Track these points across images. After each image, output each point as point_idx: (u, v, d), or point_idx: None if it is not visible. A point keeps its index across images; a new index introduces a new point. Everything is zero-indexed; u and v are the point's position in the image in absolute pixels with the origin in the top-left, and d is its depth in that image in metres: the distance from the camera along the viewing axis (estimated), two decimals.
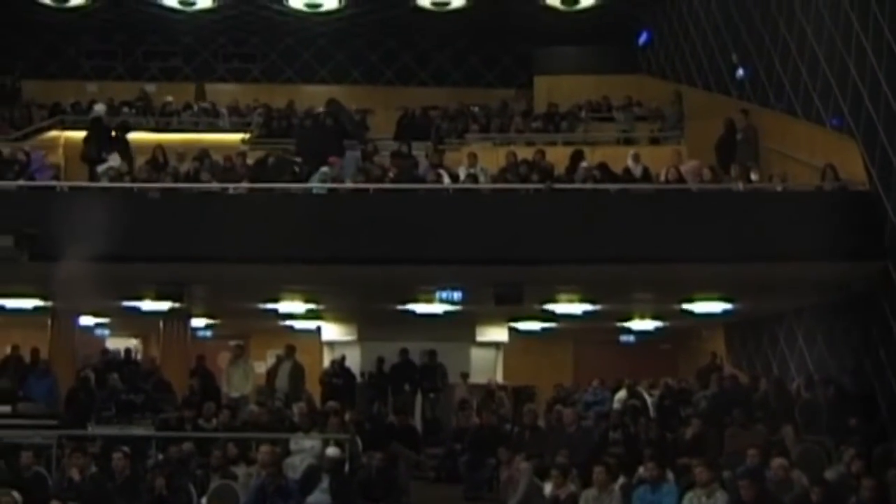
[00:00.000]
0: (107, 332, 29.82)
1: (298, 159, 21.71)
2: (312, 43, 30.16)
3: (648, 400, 22.29)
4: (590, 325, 26.38)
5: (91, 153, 22.72)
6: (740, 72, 23.05)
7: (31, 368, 21.75)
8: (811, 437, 17.21)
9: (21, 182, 20.39)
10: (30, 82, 29.36)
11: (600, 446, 18.38)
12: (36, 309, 23.54)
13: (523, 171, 20.37)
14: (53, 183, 20.58)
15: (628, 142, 25.30)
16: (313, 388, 23.25)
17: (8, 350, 23.43)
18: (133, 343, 28.85)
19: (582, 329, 27.62)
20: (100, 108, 25.91)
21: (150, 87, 29.45)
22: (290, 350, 23.08)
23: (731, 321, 24.66)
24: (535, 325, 26.90)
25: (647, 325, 26.60)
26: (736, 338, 25.23)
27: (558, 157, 21.98)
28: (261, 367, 24.30)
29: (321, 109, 25.33)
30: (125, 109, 27.57)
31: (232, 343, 24.64)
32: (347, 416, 19.52)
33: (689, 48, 25.73)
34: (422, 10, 27.52)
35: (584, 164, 21.04)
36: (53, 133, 26.81)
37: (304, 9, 27.57)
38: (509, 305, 19.72)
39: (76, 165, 24.15)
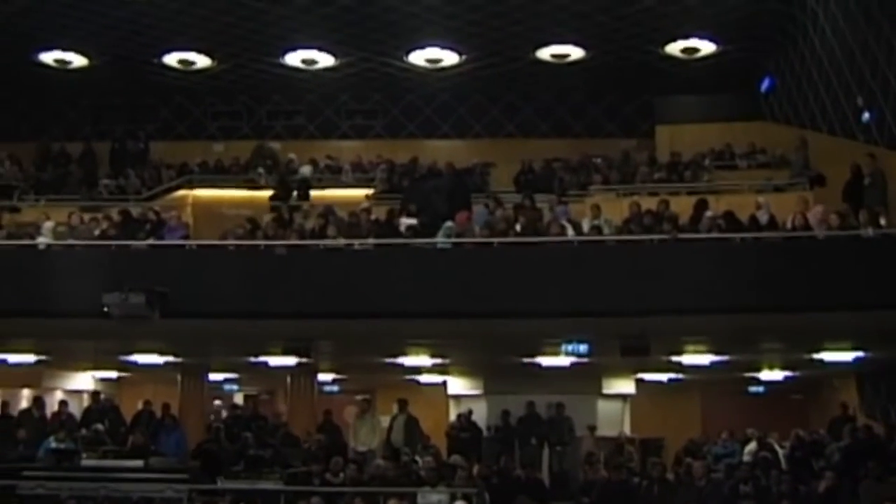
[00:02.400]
0: (235, 387, 30.22)
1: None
2: (434, 98, 30.35)
3: (779, 452, 21.89)
4: (718, 375, 26.07)
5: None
6: (866, 115, 22.67)
7: (161, 423, 22.11)
8: None
9: (151, 241, 20.82)
10: (158, 143, 30.01)
11: (731, 499, 18.12)
12: (167, 365, 24.02)
13: (647, 222, 20.23)
14: (183, 242, 20.95)
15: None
16: (439, 441, 23.27)
17: (140, 405, 23.82)
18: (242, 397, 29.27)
19: (710, 380, 27.28)
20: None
21: (275, 146, 29.89)
22: (403, 404, 23.17)
23: (863, 370, 24.16)
24: (662, 377, 26.64)
25: (777, 375, 26.21)
26: (869, 387, 24.69)
27: (683, 206, 21.78)
28: (387, 422, 24.37)
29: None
30: (260, 169, 28.08)
31: (358, 397, 24.77)
32: (475, 470, 19.50)
33: (812, 93, 25.41)
34: (541, 62, 27.57)
35: (708, 213, 20.84)
36: (182, 192, 27.35)
37: (425, 64, 27.80)
38: (636, 357, 19.56)
39: (204, 224, 24.63)
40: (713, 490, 18.36)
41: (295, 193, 25.29)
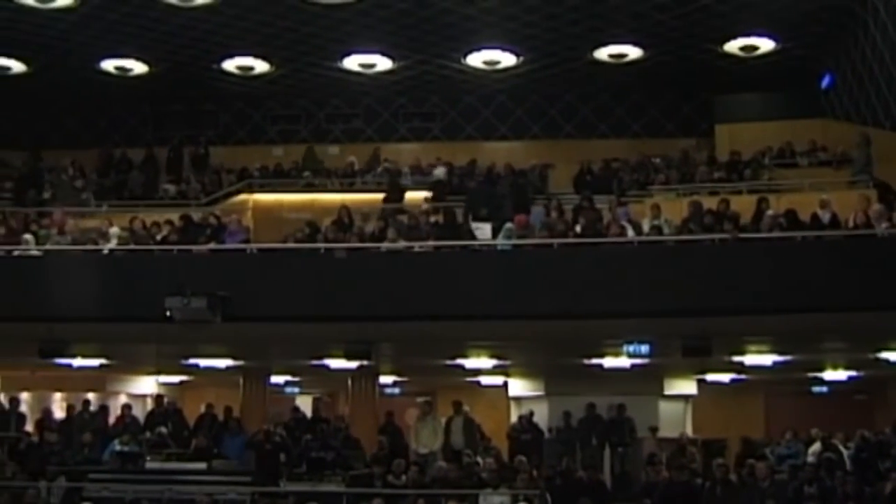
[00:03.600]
0: (296, 389, 30.35)
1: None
2: (491, 100, 30.35)
3: (844, 453, 21.68)
4: (781, 375, 25.84)
5: None
6: None
7: (225, 426, 22.24)
8: None
9: (212, 245, 20.99)
10: (218, 148, 30.23)
11: (795, 501, 17.97)
12: (228, 368, 24.18)
13: (708, 221, 20.12)
14: (243, 246, 21.09)
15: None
16: (501, 443, 23.25)
17: (202, 409, 23.98)
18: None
19: (773, 380, 27.06)
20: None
21: (334, 150, 30.04)
22: (458, 406, 23.13)
23: None
24: (724, 377, 26.46)
25: (841, 375, 25.94)
26: None
27: (743, 205, 21.65)
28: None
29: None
30: (306, 173, 28.25)
31: (420, 400, 24.81)
32: (536, 472, 19.47)
33: (874, 89, 25.14)
34: (599, 62, 27.50)
35: (769, 211, 20.71)
36: (242, 197, 27.53)
37: (483, 66, 27.81)
38: (697, 357, 19.46)
39: (264, 228, 24.78)
40: (777, 491, 18.22)
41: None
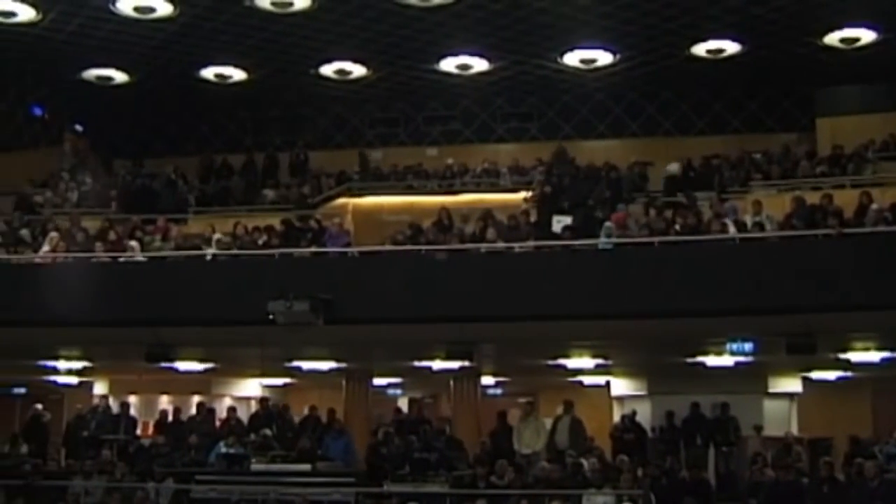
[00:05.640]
0: (399, 391, 30.48)
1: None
2: (589, 98, 30.24)
3: None
4: (889, 372, 25.40)
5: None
6: None
7: (328, 428, 22.42)
8: None
9: (314, 249, 21.17)
10: (318, 153, 30.50)
11: None
12: (331, 371, 24.37)
13: (811, 217, 19.87)
14: (344, 249, 21.25)
15: None
16: (603, 443, 23.16)
17: (306, 411, 24.19)
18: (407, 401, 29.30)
19: (880, 377, 26.60)
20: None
21: (433, 151, 30.15)
22: (569, 405, 23.06)
23: None
24: (829, 375, 26.09)
25: None
26: None
27: (846, 199, 21.34)
28: (551, 424, 24.31)
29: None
30: (409, 176, 28.41)
31: (522, 400, 24.80)
32: (640, 472, 19.38)
33: None
34: (697, 58, 27.25)
35: (874, 205, 20.39)
36: (342, 200, 27.73)
37: (579, 65, 27.71)
38: (802, 355, 19.21)
39: (365, 230, 24.95)
40: (887, 491, 17.91)
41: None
